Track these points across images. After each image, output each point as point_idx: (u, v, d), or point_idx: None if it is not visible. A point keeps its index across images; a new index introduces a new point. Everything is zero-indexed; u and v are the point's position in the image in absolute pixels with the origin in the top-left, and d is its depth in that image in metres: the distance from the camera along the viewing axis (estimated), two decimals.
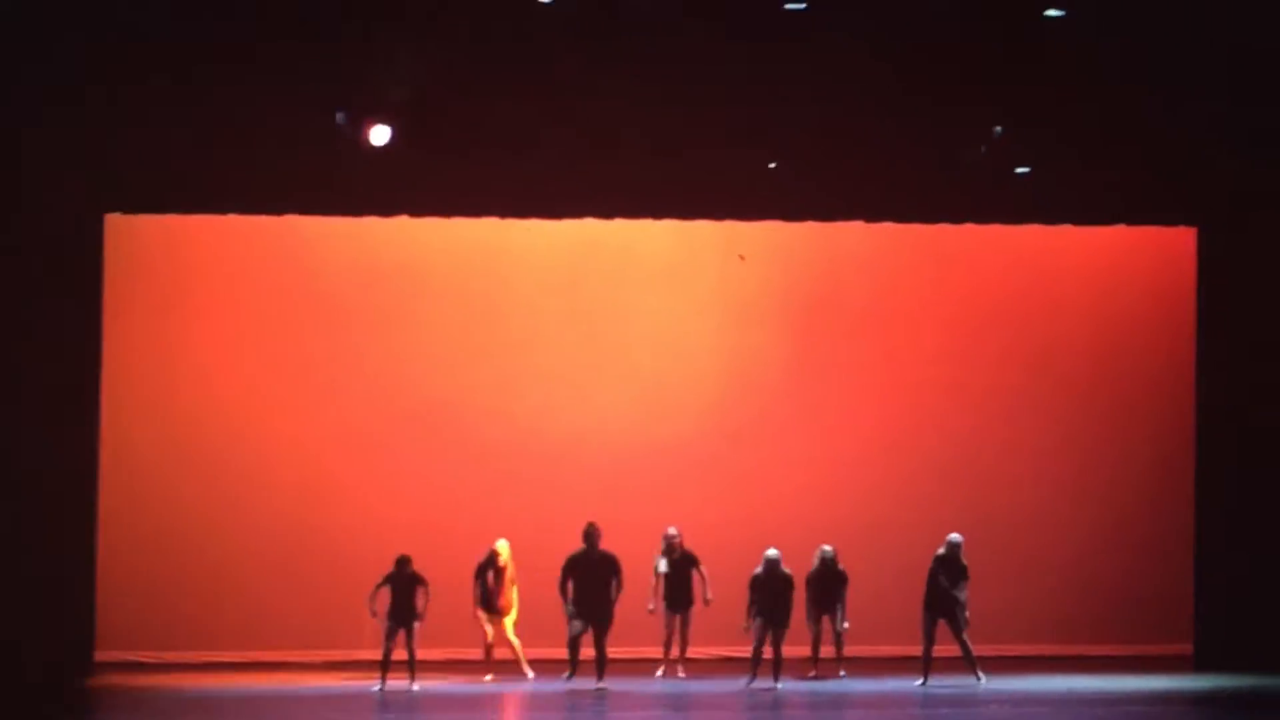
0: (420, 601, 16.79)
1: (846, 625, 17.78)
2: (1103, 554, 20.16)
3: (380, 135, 17.14)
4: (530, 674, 17.70)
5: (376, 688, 16.75)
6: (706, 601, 17.74)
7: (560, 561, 17.02)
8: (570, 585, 16.78)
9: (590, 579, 16.69)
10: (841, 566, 17.82)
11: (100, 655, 18.62)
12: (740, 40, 16.60)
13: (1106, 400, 20.43)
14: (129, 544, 19.05)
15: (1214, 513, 19.59)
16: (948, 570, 17.19)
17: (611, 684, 16.92)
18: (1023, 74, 17.09)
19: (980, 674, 17.24)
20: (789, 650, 17.18)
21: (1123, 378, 20.46)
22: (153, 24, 16.04)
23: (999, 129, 17.70)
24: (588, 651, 16.92)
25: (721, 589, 17.74)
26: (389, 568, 16.93)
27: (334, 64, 16.58)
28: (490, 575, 17.62)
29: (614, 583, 16.77)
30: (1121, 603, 20.04)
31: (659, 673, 17.86)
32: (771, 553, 17.05)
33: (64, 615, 17.84)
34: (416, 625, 16.78)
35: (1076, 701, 16.35)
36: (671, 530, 17.90)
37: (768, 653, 16.88)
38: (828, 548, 17.89)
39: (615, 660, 17.41)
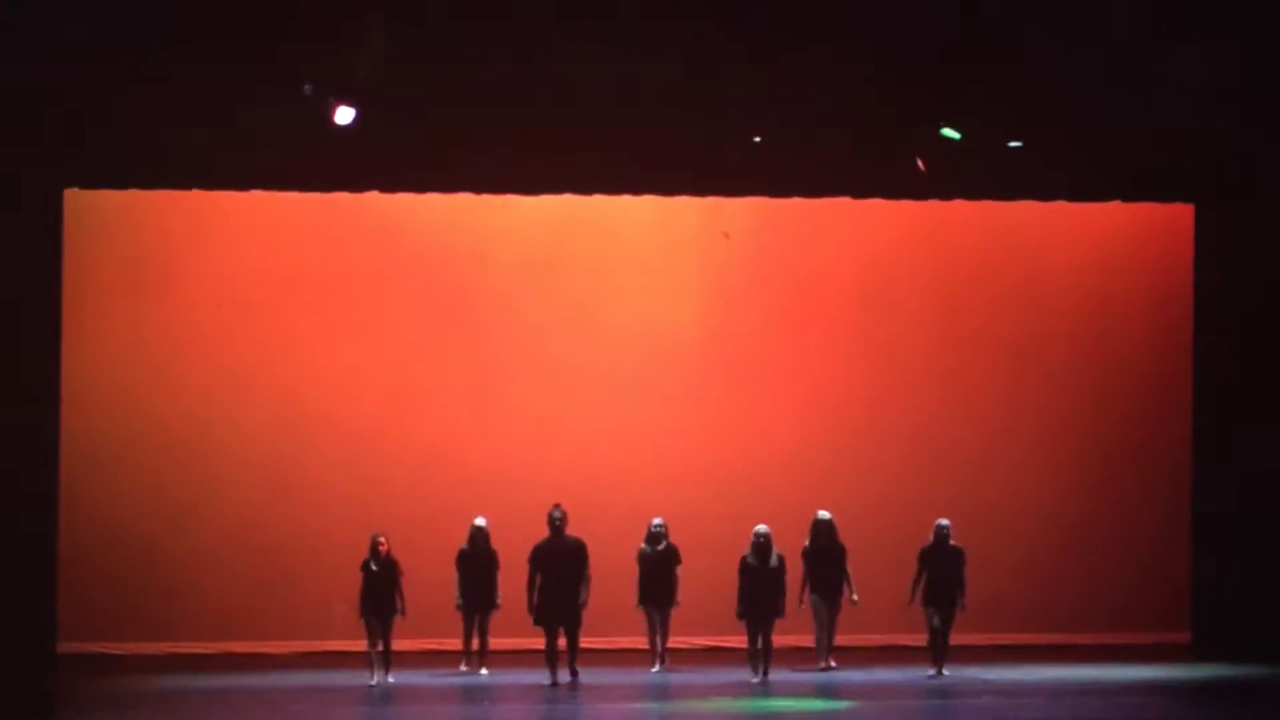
0: (398, 595, 16.29)
1: (856, 598, 17.33)
2: (1097, 541, 19.90)
3: (345, 116, 16.84)
4: (484, 671, 17.14)
5: (374, 681, 16.31)
6: (676, 602, 17.32)
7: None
8: (539, 580, 16.12)
9: (559, 572, 16.03)
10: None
11: (63, 647, 18.30)
12: (724, 13, 16.33)
13: (1101, 382, 20.18)
14: (91, 533, 18.70)
15: (1211, 499, 19.39)
16: (939, 560, 16.67)
17: (589, 676, 16.52)
18: (1016, 47, 16.81)
19: (943, 670, 16.76)
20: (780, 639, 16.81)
21: (1118, 359, 20.22)
22: None
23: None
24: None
25: (707, 575, 17.38)
26: (360, 556, 16.39)
27: (301, 36, 16.22)
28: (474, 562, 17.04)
29: (583, 579, 16.12)
30: (1117, 591, 19.80)
31: (655, 667, 17.31)
32: (761, 529, 16.44)
33: (24, 607, 17.51)
34: (395, 620, 16.34)
35: (1070, 691, 16.16)
36: (657, 520, 17.39)
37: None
38: (825, 514, 17.37)
39: (595, 650, 17.09)
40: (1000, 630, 19.14)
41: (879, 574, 17.81)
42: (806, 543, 17.40)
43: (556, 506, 16.36)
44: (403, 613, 16.38)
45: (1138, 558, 19.84)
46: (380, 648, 16.30)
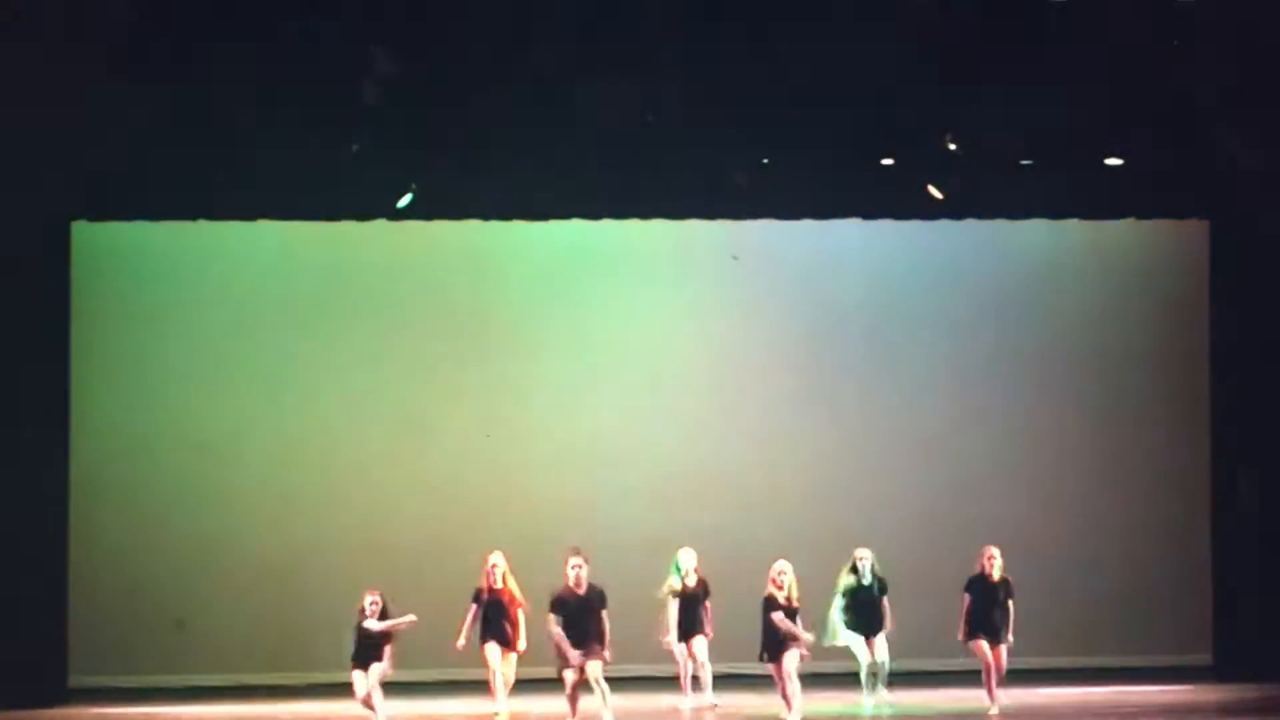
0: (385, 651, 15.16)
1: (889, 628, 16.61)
2: (1115, 561, 19.73)
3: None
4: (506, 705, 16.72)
5: None
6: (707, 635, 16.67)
7: (549, 577, 16.19)
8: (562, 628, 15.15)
9: (581, 616, 15.10)
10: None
11: (74, 681, 18.25)
12: (733, 33, 16.32)
13: (1118, 401, 20.01)
14: (101, 565, 18.67)
15: (1231, 517, 19.20)
16: (986, 588, 15.88)
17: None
18: (1027, 64, 16.69)
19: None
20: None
21: (1135, 377, 20.04)
22: (120, 28, 15.85)
23: None
24: None
25: (722, 601, 16.94)
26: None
27: (307, 66, 16.24)
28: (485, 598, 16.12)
29: (605, 618, 15.17)
30: (1137, 612, 19.62)
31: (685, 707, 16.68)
32: (779, 565, 15.48)
33: (36, 641, 17.50)
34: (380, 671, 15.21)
35: (1090, 714, 16.02)
36: (687, 551, 16.65)
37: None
38: (862, 552, 16.49)
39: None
40: (1017, 653, 18.75)
41: (897, 598, 17.63)
42: (854, 580, 16.57)
43: (576, 551, 15.42)
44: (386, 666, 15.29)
45: (1158, 578, 19.67)
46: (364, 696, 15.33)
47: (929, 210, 18.73)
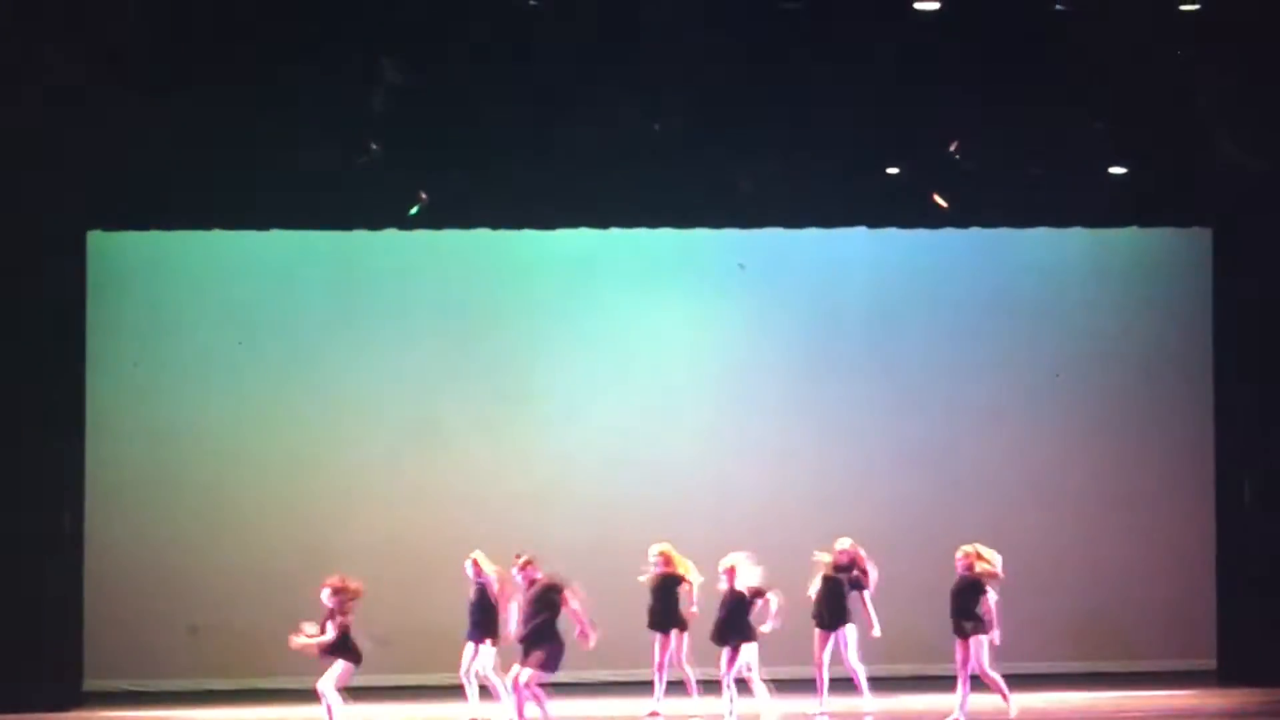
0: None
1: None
2: (1120, 566, 19.81)
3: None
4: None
5: None
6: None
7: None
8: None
9: (528, 615, 14.91)
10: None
11: (89, 685, 18.33)
12: (738, 43, 16.38)
13: (1122, 408, 20.10)
14: (116, 569, 18.81)
15: (1235, 523, 19.22)
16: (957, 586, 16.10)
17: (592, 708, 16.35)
18: (1030, 72, 16.76)
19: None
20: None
21: (1139, 383, 20.14)
22: (134, 39, 15.93)
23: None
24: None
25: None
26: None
27: (318, 77, 16.34)
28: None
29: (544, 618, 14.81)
30: (1141, 617, 19.69)
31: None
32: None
33: (50, 645, 17.57)
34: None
35: (1093, 719, 16.15)
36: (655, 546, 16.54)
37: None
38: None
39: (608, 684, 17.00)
40: (1021, 658, 18.87)
41: (900, 602, 17.73)
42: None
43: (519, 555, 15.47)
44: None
45: (1161, 583, 19.71)
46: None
47: (934, 219, 18.80)
